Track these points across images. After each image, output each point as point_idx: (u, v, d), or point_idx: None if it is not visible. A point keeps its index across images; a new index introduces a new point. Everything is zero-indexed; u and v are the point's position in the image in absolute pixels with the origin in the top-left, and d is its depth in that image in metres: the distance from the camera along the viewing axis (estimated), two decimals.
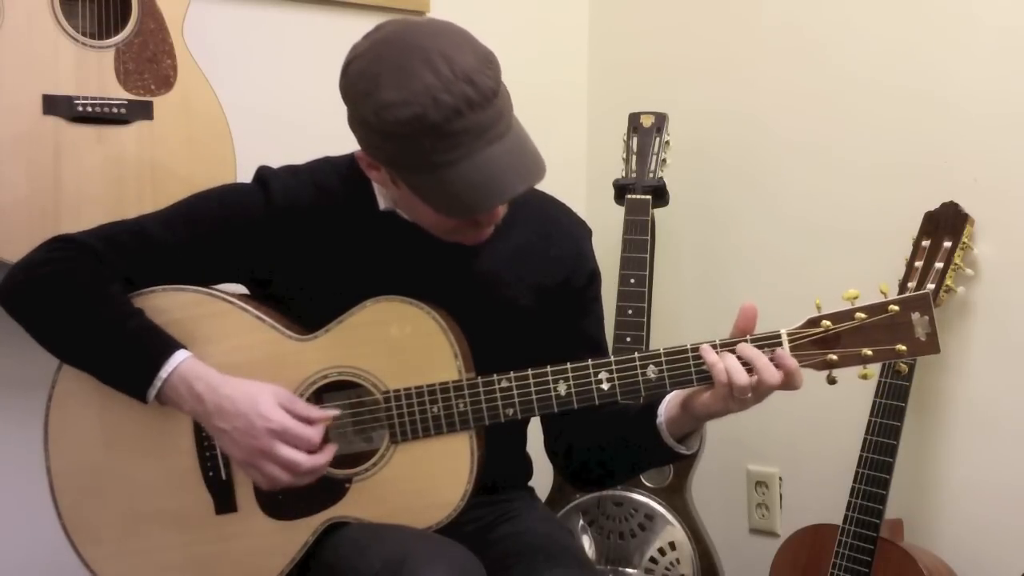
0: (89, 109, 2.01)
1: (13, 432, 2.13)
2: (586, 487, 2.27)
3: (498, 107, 1.56)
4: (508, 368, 1.68)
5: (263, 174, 1.78)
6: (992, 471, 2.22)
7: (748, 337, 1.62)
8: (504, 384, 1.68)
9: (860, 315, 1.60)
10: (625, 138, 2.53)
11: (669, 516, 2.41)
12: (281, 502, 1.71)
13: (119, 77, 2.03)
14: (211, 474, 1.72)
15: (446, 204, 1.60)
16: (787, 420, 2.44)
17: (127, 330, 1.67)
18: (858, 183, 2.41)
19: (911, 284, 2.16)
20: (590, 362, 1.66)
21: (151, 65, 2.06)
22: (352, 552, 1.64)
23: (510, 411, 1.68)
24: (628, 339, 2.39)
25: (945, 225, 2.18)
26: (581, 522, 2.43)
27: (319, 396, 1.73)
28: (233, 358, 1.70)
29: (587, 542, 2.42)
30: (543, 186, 1.67)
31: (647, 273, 2.44)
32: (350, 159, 1.75)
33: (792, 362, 1.59)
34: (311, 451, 1.64)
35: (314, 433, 1.65)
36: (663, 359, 1.64)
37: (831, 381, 1.63)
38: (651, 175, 2.49)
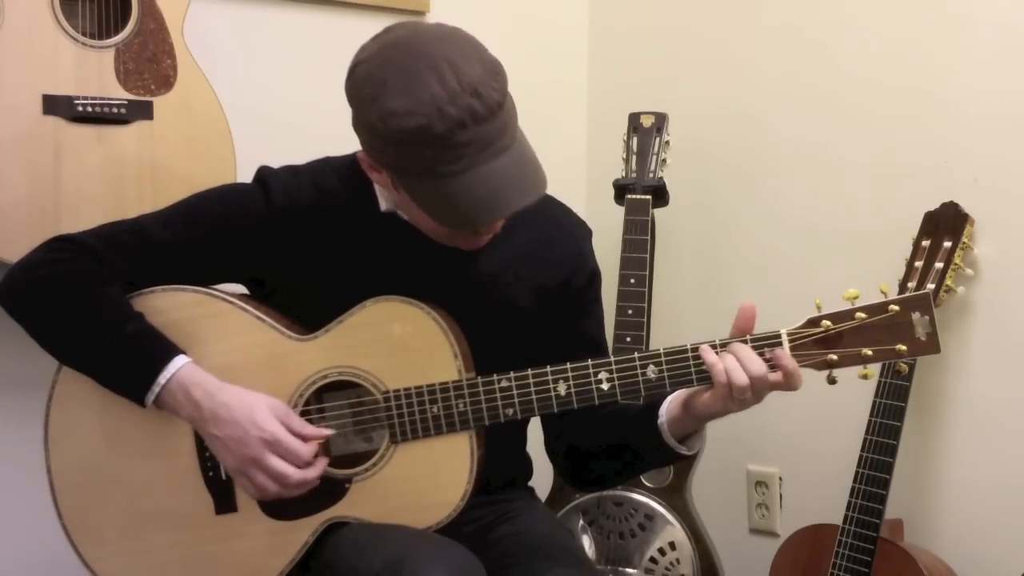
0: (89, 109, 2.01)
1: (13, 432, 2.13)
2: (586, 487, 2.27)
3: (503, 119, 1.56)
4: (508, 369, 1.68)
5: (263, 174, 1.77)
6: (992, 471, 2.22)
7: (748, 337, 1.62)
8: (504, 384, 1.68)
9: (860, 315, 1.60)
10: (625, 138, 2.53)
11: (669, 516, 2.41)
12: (281, 502, 1.71)
13: (119, 77, 2.03)
14: (211, 474, 1.72)
15: (445, 214, 1.60)
16: (787, 420, 2.43)
17: (126, 334, 1.67)
18: (858, 183, 2.41)
19: (911, 284, 2.16)
20: (590, 362, 1.66)
21: (151, 65, 2.06)
22: (352, 552, 1.64)
23: (510, 411, 1.68)
24: (628, 339, 2.39)
25: (945, 225, 2.18)
26: (581, 522, 2.43)
27: (319, 396, 1.73)
28: (233, 358, 1.70)
29: (587, 542, 2.42)
30: None
31: (647, 273, 2.44)
32: (351, 160, 1.75)
33: (791, 362, 1.59)
34: (301, 466, 1.64)
35: (306, 449, 1.65)
36: (663, 359, 1.64)
37: (831, 381, 1.63)
38: (651, 175, 2.49)
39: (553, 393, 1.67)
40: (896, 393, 2.14)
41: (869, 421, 2.16)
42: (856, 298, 1.62)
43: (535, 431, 1.88)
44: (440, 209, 1.60)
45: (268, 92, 2.43)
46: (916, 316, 1.60)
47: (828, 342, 1.61)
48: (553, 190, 1.84)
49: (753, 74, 2.60)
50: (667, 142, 2.51)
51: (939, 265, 2.15)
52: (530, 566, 1.71)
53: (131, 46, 2.04)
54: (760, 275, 2.58)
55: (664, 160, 2.50)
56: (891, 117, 2.36)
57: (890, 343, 1.60)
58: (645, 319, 2.41)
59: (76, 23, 2.01)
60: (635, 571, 2.41)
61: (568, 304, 1.83)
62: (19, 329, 1.72)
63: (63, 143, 2.00)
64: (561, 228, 1.85)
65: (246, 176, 1.82)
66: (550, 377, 1.67)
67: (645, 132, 2.52)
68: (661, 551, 2.41)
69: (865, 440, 2.16)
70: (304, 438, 1.65)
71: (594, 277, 1.87)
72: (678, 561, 2.40)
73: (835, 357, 1.61)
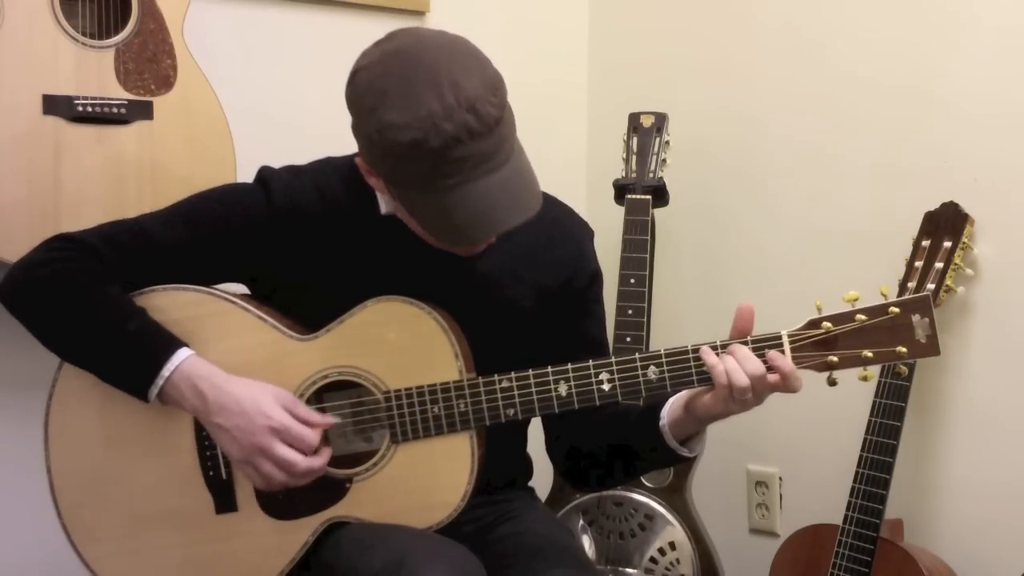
0: (89, 109, 2.01)
1: (13, 432, 2.12)
2: (587, 488, 2.27)
3: (500, 135, 1.56)
4: (509, 369, 1.68)
5: (264, 174, 1.77)
6: (992, 471, 2.22)
7: (750, 338, 1.62)
8: (505, 384, 1.68)
9: (861, 317, 1.61)
10: (625, 138, 2.53)
11: (669, 516, 2.41)
12: (281, 502, 1.71)
13: (119, 77, 2.03)
14: (211, 474, 1.72)
15: (437, 228, 1.61)
16: (787, 420, 2.43)
17: (128, 329, 1.67)
18: (858, 183, 2.41)
19: (911, 284, 2.16)
20: (591, 363, 1.66)
21: (151, 65, 2.06)
22: (352, 552, 1.64)
23: (511, 411, 1.68)
24: (628, 339, 2.39)
25: (945, 225, 2.18)
26: (581, 522, 2.43)
27: (320, 396, 1.73)
28: (234, 358, 1.70)
29: (587, 542, 2.42)
30: (544, 186, 1.67)
31: (647, 273, 2.44)
32: (351, 161, 1.74)
33: (787, 363, 1.60)
34: (308, 453, 1.65)
35: (313, 436, 1.65)
36: (664, 360, 1.64)
37: (831, 383, 1.63)
38: (651, 175, 2.49)
39: (554, 393, 1.67)
40: (896, 393, 2.14)
41: (869, 421, 2.16)
42: (856, 300, 1.62)
43: (535, 431, 1.88)
44: (433, 222, 1.61)
45: (268, 92, 2.43)
46: (916, 318, 1.60)
47: (828, 344, 1.61)
48: (553, 190, 1.85)
49: (753, 74, 2.60)
50: (667, 142, 2.51)
51: (939, 265, 2.15)
52: (530, 566, 1.71)
53: (131, 46, 2.04)
54: (760, 275, 2.58)
55: (664, 160, 2.50)
56: (891, 117, 2.36)
57: (890, 345, 1.60)
58: (645, 319, 2.41)
59: (76, 23, 2.00)
60: (635, 571, 2.41)
61: (569, 304, 1.83)
62: (19, 329, 1.72)
63: (63, 143, 2.00)
64: (563, 228, 1.85)
65: (246, 176, 1.82)
66: (551, 377, 1.67)
67: (645, 132, 2.52)
68: (661, 551, 2.41)
69: (865, 440, 2.16)
70: (310, 424, 1.65)
71: (596, 277, 1.87)
72: (678, 561, 2.40)
73: (835, 359, 1.61)
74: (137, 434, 1.73)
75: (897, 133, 2.35)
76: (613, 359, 1.66)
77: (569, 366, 1.67)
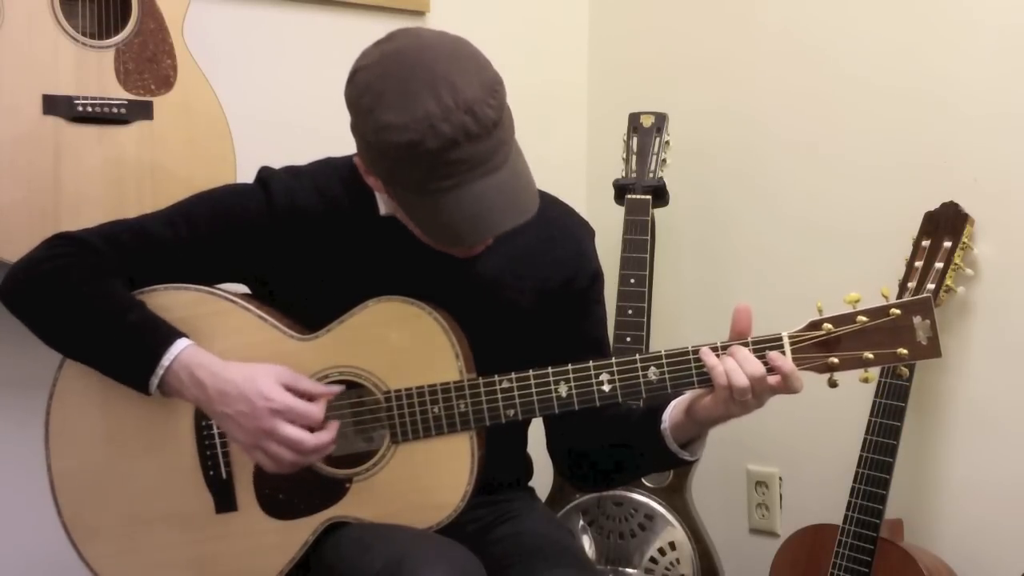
0: (89, 109, 2.01)
1: (13, 431, 2.13)
2: (588, 488, 2.27)
3: (497, 138, 1.56)
4: (510, 369, 1.68)
5: (264, 175, 1.77)
6: (992, 471, 2.22)
7: (750, 339, 1.62)
8: (505, 385, 1.68)
9: (861, 318, 1.60)
10: (625, 138, 2.53)
11: (669, 516, 2.41)
12: (281, 501, 1.71)
13: (119, 77, 2.03)
14: (211, 473, 1.73)
15: (433, 230, 1.61)
16: (787, 420, 2.43)
17: (127, 321, 1.67)
18: (858, 183, 2.41)
19: (911, 284, 2.16)
20: (591, 363, 1.66)
21: (151, 65, 2.06)
22: (352, 552, 1.64)
23: (511, 412, 1.68)
24: (628, 339, 2.39)
25: (945, 225, 2.18)
26: (581, 522, 2.43)
27: None
28: (234, 357, 1.69)
29: (587, 542, 2.42)
30: (544, 186, 1.67)
31: (647, 273, 2.44)
32: (351, 161, 1.74)
33: (787, 364, 1.60)
34: (314, 429, 1.64)
35: (316, 410, 1.65)
36: (664, 361, 1.64)
37: (832, 384, 1.63)
38: (651, 175, 2.49)
39: (554, 394, 1.67)
40: (896, 393, 2.14)
41: (869, 421, 2.16)
42: (857, 301, 1.62)
43: (536, 431, 1.88)
44: (428, 224, 1.61)
45: (268, 92, 2.43)
46: (917, 320, 1.60)
47: (829, 345, 1.61)
48: (553, 190, 1.85)
49: (753, 74, 2.60)
50: (667, 142, 2.52)
51: (939, 265, 2.15)
52: (530, 566, 1.71)
53: (131, 46, 2.04)
54: (760, 275, 2.58)
55: (664, 160, 2.50)
56: (891, 117, 2.36)
57: (891, 347, 1.60)
58: (645, 319, 2.41)
59: (76, 23, 2.00)
60: (635, 571, 2.41)
61: (570, 305, 1.83)
62: (19, 328, 1.72)
63: (63, 143, 2.00)
64: (563, 228, 1.85)
65: (246, 176, 1.82)
66: (551, 378, 1.67)
67: (645, 132, 2.52)
68: (661, 551, 2.41)
69: (865, 440, 2.16)
70: (312, 397, 1.65)
71: (596, 278, 1.86)
72: (678, 561, 2.40)
73: (836, 360, 1.61)
74: (137, 434, 1.73)
75: (897, 133, 2.35)
76: (613, 360, 1.66)
77: (569, 367, 1.67)
